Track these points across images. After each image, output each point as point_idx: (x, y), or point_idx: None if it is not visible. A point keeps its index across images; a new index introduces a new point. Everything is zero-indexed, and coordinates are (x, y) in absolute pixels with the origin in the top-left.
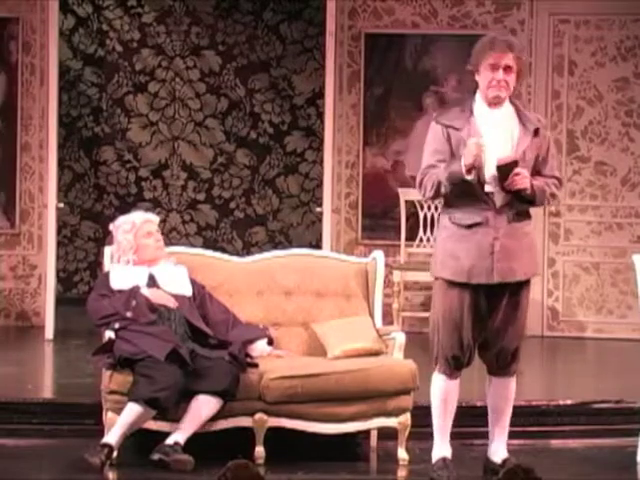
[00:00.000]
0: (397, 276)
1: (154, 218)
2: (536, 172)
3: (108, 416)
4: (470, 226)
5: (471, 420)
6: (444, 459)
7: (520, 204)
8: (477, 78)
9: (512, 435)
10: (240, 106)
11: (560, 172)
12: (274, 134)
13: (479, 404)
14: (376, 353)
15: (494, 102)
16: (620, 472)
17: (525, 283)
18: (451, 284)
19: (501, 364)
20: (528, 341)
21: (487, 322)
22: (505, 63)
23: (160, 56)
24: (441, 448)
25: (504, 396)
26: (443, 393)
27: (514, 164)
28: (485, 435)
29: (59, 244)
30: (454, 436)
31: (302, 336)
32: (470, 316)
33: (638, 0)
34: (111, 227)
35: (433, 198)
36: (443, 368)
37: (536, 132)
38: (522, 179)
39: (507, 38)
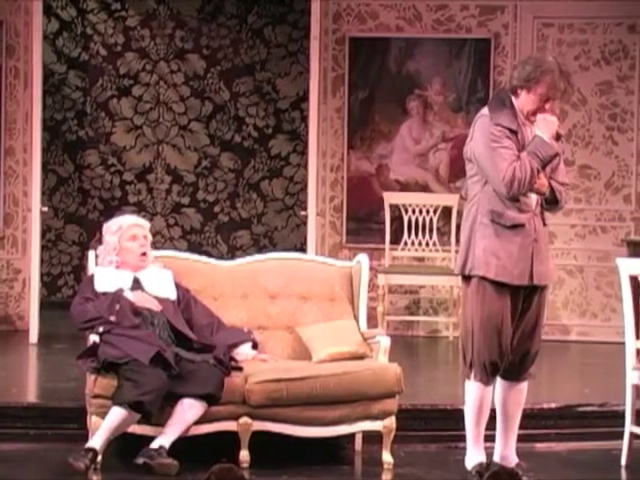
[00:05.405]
0: (382, 279)
1: (144, 223)
2: (549, 178)
3: (92, 420)
4: (513, 227)
5: (455, 424)
6: (481, 464)
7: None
8: (520, 92)
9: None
10: (224, 110)
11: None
12: (258, 138)
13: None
14: (361, 357)
15: (531, 122)
16: (604, 475)
17: (546, 287)
18: (492, 285)
19: (520, 368)
20: None
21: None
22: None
23: (144, 60)
24: (478, 454)
25: (518, 401)
26: (479, 402)
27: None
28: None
29: (43, 248)
30: (439, 439)
31: (287, 340)
32: (509, 319)
33: (622, 3)
34: (103, 228)
35: (530, 185)
36: (479, 375)
37: (557, 137)
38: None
39: (570, 79)
